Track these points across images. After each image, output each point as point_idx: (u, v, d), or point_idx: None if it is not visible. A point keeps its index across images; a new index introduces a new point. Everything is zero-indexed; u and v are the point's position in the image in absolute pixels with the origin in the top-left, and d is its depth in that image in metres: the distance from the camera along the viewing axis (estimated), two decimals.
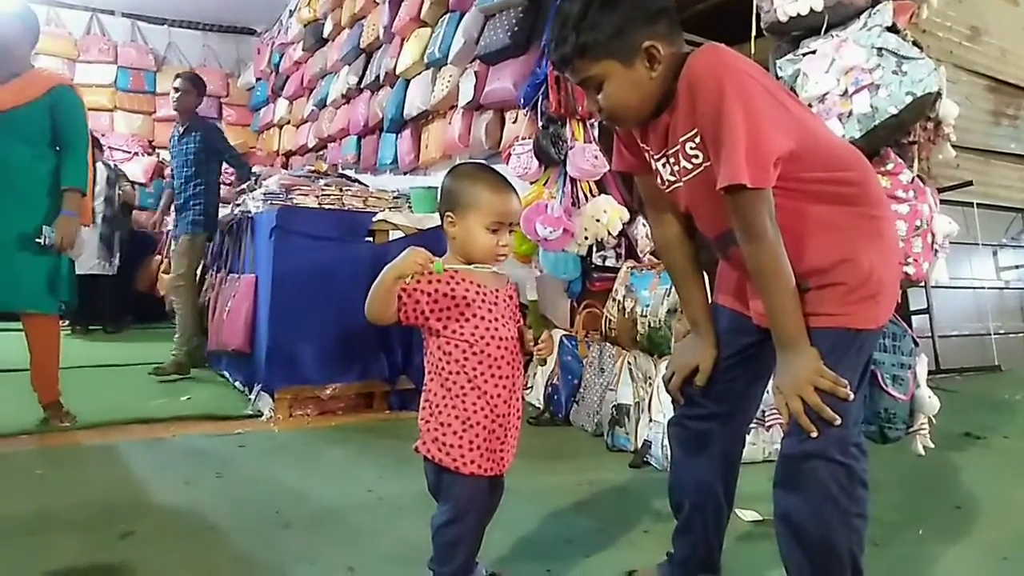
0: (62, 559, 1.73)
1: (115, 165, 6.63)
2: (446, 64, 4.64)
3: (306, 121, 7.18)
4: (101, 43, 8.08)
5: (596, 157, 3.31)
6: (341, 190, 3.57)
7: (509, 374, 1.42)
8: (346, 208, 3.53)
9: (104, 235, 6.06)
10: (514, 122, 4.00)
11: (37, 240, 2.80)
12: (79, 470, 2.46)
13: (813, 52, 2.37)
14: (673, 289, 2.80)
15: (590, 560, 1.78)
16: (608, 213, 3.22)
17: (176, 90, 4.30)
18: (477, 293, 1.40)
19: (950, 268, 2.36)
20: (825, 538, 1.22)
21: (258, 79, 8.47)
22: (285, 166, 7.48)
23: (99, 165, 6.14)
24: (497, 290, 1.44)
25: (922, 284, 3.44)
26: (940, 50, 4.44)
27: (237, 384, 3.79)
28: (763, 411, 2.58)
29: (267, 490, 2.30)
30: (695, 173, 1.32)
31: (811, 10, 2.36)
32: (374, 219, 3.54)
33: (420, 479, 1.46)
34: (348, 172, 4.74)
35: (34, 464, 2.49)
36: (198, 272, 4.39)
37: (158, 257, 6.51)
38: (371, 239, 3.54)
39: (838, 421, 1.20)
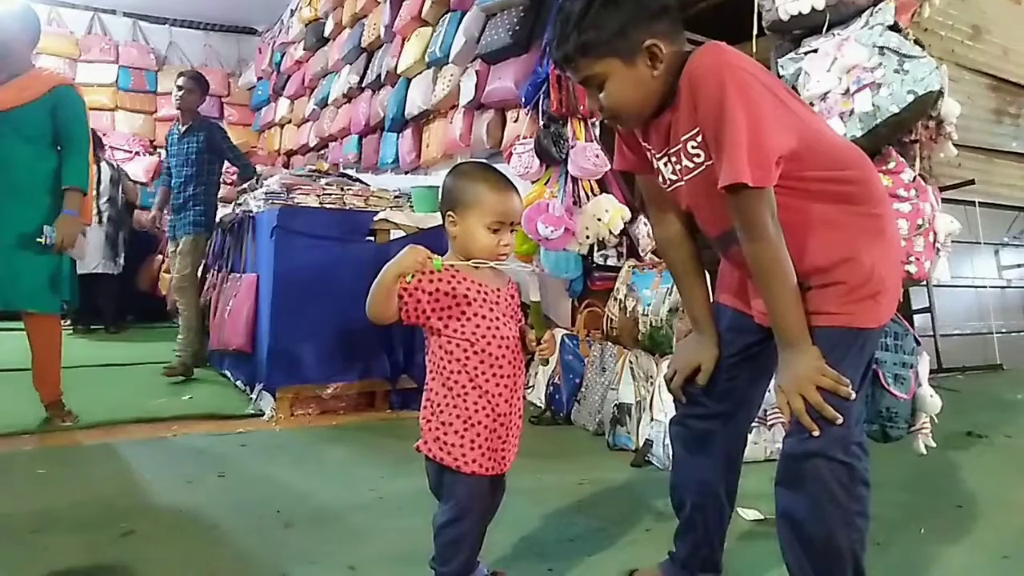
0: (63, 558, 1.73)
1: (117, 165, 6.64)
2: (447, 63, 4.64)
3: (307, 120, 7.19)
4: (102, 43, 8.09)
5: (597, 156, 3.31)
6: (342, 189, 3.57)
7: (510, 373, 1.42)
8: (347, 207, 3.53)
9: (109, 234, 6.08)
10: (515, 121, 4.00)
11: (38, 240, 2.80)
12: (80, 469, 2.47)
13: (815, 51, 2.37)
14: (675, 288, 2.80)
15: (592, 559, 1.78)
16: (609, 212, 3.22)
17: (179, 88, 4.26)
18: (478, 292, 1.40)
19: (952, 267, 2.36)
20: (827, 537, 1.22)
21: (259, 78, 8.47)
22: (286, 165, 7.50)
23: (103, 165, 6.16)
24: (498, 289, 1.44)
25: (924, 283, 3.45)
26: (942, 49, 4.44)
27: (238, 383, 3.80)
28: (765, 410, 2.58)
29: (268, 489, 2.30)
30: (697, 172, 1.32)
31: (812, 9, 2.35)
32: (375, 218, 3.54)
33: (422, 478, 1.46)
34: (349, 171, 4.74)
35: (36, 463, 2.49)
36: (199, 272, 4.39)
37: (159, 256, 6.52)
38: (372, 238, 3.54)
39: (840, 420, 1.20)
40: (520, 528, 1.93)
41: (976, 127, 4.80)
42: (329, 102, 6.51)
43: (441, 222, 1.47)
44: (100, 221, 6.04)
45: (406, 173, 5.38)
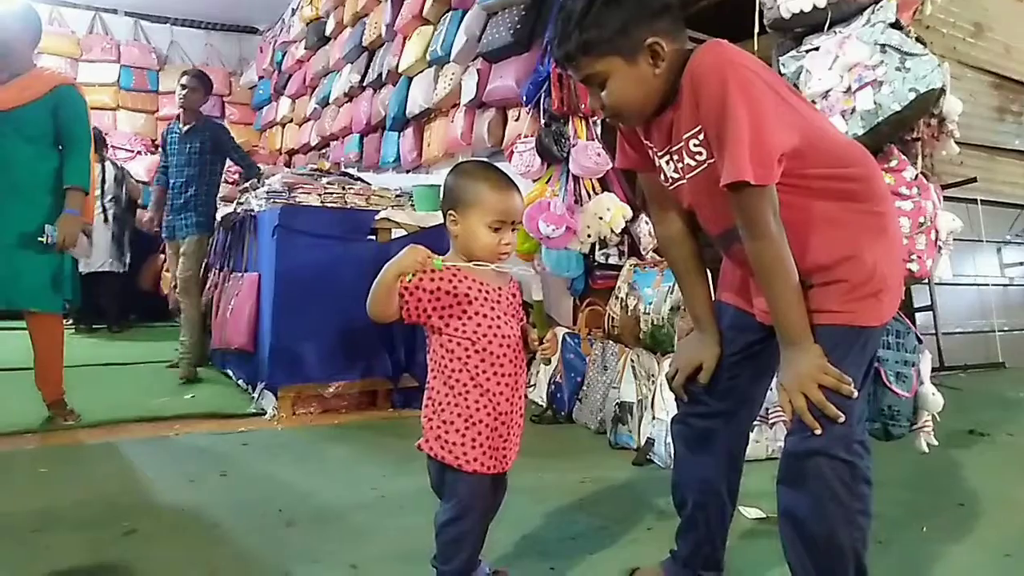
0: (66, 557, 1.73)
1: (120, 164, 6.66)
2: (448, 62, 4.64)
3: (308, 119, 7.19)
4: (104, 42, 8.10)
5: (599, 155, 3.31)
6: (344, 188, 3.57)
7: (511, 372, 1.42)
8: (349, 206, 3.53)
9: (115, 233, 6.10)
10: (516, 120, 4.00)
11: (40, 239, 2.80)
12: (83, 468, 2.47)
13: (816, 49, 2.37)
14: (676, 287, 2.80)
15: (593, 558, 1.78)
16: (611, 211, 3.22)
17: (183, 87, 4.21)
18: (479, 290, 1.40)
19: (954, 265, 2.35)
20: (829, 535, 1.22)
21: (260, 78, 8.48)
22: (288, 165, 7.50)
23: (107, 164, 6.19)
24: (499, 287, 1.44)
25: (926, 281, 3.44)
26: (944, 46, 4.43)
27: (240, 382, 3.80)
28: (766, 408, 2.58)
29: (270, 488, 2.30)
30: (699, 170, 1.32)
31: (814, 7, 2.35)
32: (377, 217, 3.54)
33: (423, 477, 1.46)
34: (351, 170, 4.74)
35: (38, 462, 2.50)
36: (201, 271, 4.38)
37: (161, 256, 6.52)
38: (374, 237, 3.54)
39: (842, 418, 1.20)
40: (522, 526, 1.93)
41: (978, 125, 4.79)
42: (330, 101, 6.52)
43: (442, 221, 1.46)
44: (105, 220, 6.07)
45: (407, 172, 5.38)
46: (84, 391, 3.30)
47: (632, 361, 2.90)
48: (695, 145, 1.29)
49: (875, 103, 2.14)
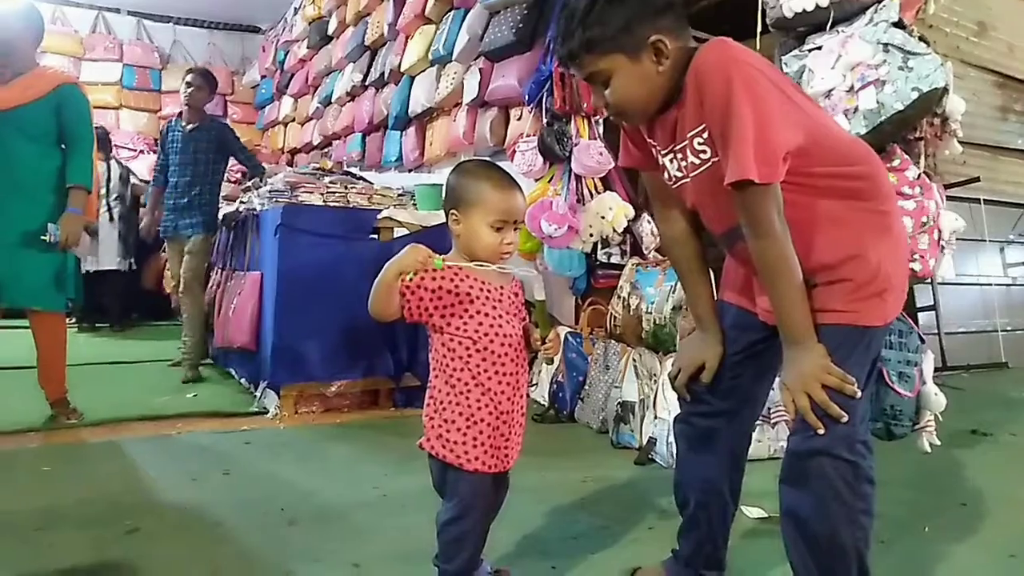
0: (68, 555, 1.73)
1: (124, 163, 6.68)
2: (451, 61, 4.65)
3: (311, 119, 7.20)
4: (107, 41, 8.11)
5: (601, 154, 3.30)
6: (346, 188, 3.58)
7: (513, 371, 1.42)
8: (351, 206, 3.53)
9: (121, 232, 6.12)
10: (519, 119, 4.00)
11: (43, 238, 2.81)
12: (85, 467, 2.48)
13: (819, 48, 2.36)
14: (678, 286, 2.80)
15: (595, 557, 1.78)
16: (613, 210, 3.22)
17: (188, 85, 4.14)
18: (481, 290, 1.40)
19: (957, 265, 2.35)
20: (831, 535, 1.22)
21: (263, 77, 8.49)
22: (290, 164, 7.51)
23: (112, 163, 6.21)
24: (501, 287, 1.44)
25: (928, 281, 3.43)
26: (947, 45, 4.42)
27: (242, 381, 3.81)
28: (768, 408, 2.58)
29: (272, 487, 2.30)
30: (702, 169, 1.31)
31: (817, 6, 2.35)
32: (379, 216, 3.54)
33: (425, 476, 1.46)
34: (353, 169, 4.75)
35: (41, 461, 2.50)
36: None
37: (163, 255, 6.54)
38: (376, 236, 3.54)
39: (845, 418, 1.20)
40: (523, 526, 1.93)
41: (981, 124, 4.79)
42: (333, 100, 6.52)
43: (444, 220, 1.46)
44: (111, 219, 6.10)
45: (409, 171, 5.38)
46: (87, 390, 3.31)
47: (634, 360, 2.90)
48: (699, 143, 1.29)
49: (878, 102, 2.14)
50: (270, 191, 3.57)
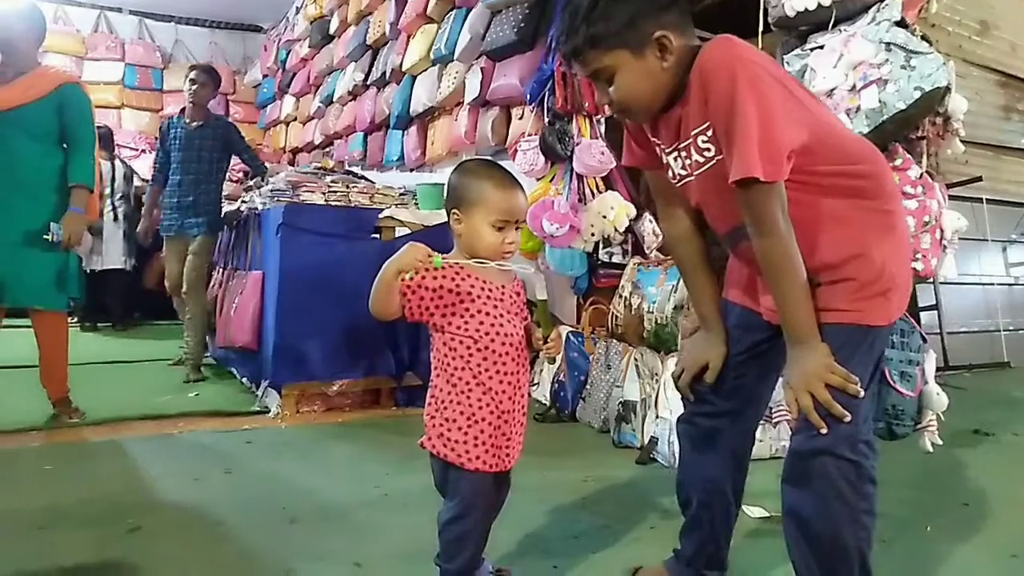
0: (71, 554, 1.74)
1: (127, 162, 6.69)
2: (452, 60, 4.65)
3: (312, 118, 7.20)
4: (108, 40, 8.13)
5: (603, 153, 3.30)
6: (347, 187, 3.58)
7: (514, 370, 1.42)
8: (352, 205, 3.53)
9: (126, 231, 6.13)
10: (520, 118, 4.00)
11: (45, 237, 2.81)
12: (87, 466, 2.48)
13: (821, 47, 2.36)
14: (680, 285, 2.80)
15: (596, 557, 1.78)
16: (615, 209, 3.22)
17: (192, 83, 4.06)
18: (482, 289, 1.40)
19: (959, 264, 2.35)
20: (833, 535, 1.21)
21: (265, 76, 8.50)
22: (292, 163, 7.51)
23: (116, 163, 6.22)
24: (503, 286, 1.44)
25: (931, 280, 3.43)
26: (949, 44, 4.42)
27: (244, 380, 3.81)
28: (770, 407, 2.57)
29: (274, 486, 2.30)
30: (707, 167, 1.31)
31: (819, 5, 2.35)
32: (380, 216, 3.54)
33: (427, 475, 1.46)
34: (354, 169, 4.73)
35: (43, 459, 2.51)
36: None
37: (163, 255, 6.55)
38: (377, 236, 3.55)
39: (848, 418, 1.19)
40: (525, 525, 1.93)
41: (984, 123, 4.78)
42: (334, 99, 6.53)
43: (446, 220, 1.46)
44: (115, 219, 6.12)
45: (411, 170, 5.38)
46: (89, 389, 3.31)
47: (636, 360, 2.90)
48: (703, 141, 1.29)
49: (880, 101, 2.14)
50: (272, 190, 3.57)
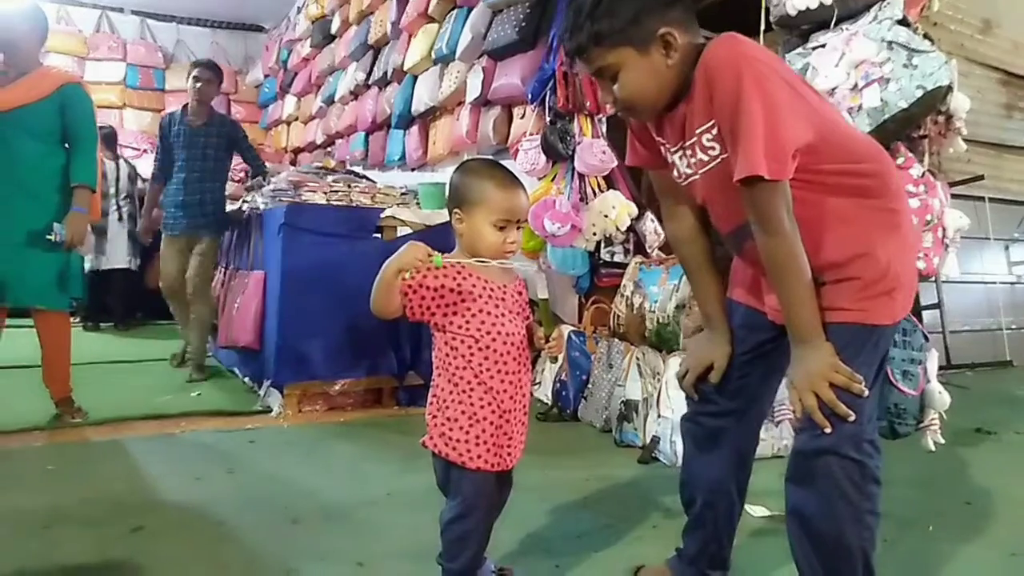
0: (74, 554, 1.74)
1: (131, 162, 6.71)
2: (454, 60, 4.64)
3: (314, 118, 7.21)
4: (110, 41, 8.13)
5: (604, 152, 3.30)
6: (349, 186, 3.58)
7: (515, 370, 1.42)
8: (354, 205, 3.53)
9: (131, 231, 6.14)
10: (522, 118, 4.00)
11: (48, 237, 2.81)
12: (90, 466, 2.48)
13: (823, 46, 2.36)
14: (682, 285, 2.80)
15: (598, 556, 1.78)
16: (616, 208, 3.22)
17: (197, 80, 3.97)
18: (484, 288, 1.40)
19: (961, 263, 2.35)
20: (837, 535, 1.21)
21: (266, 76, 8.50)
22: (293, 163, 7.52)
23: (120, 162, 6.23)
24: (504, 285, 1.44)
25: (933, 279, 3.42)
26: (951, 43, 4.41)
27: (246, 380, 3.81)
28: (772, 406, 2.57)
29: (276, 486, 2.30)
30: (712, 165, 1.30)
31: (820, 3, 2.35)
32: (382, 215, 3.54)
33: (429, 474, 1.46)
34: (356, 168, 4.74)
35: (45, 459, 2.51)
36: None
37: None
38: (379, 235, 3.55)
39: (852, 417, 1.19)
40: (527, 524, 1.93)
41: (986, 122, 4.77)
42: (336, 99, 6.53)
43: (448, 219, 1.46)
44: (120, 218, 6.12)
45: (412, 170, 5.38)
46: (91, 389, 3.31)
47: (637, 359, 2.90)
48: (708, 140, 1.28)
49: (882, 100, 2.14)
50: (273, 190, 3.57)
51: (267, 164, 4.55)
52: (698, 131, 1.29)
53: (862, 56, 2.20)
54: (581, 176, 3.37)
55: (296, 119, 7.72)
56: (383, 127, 5.79)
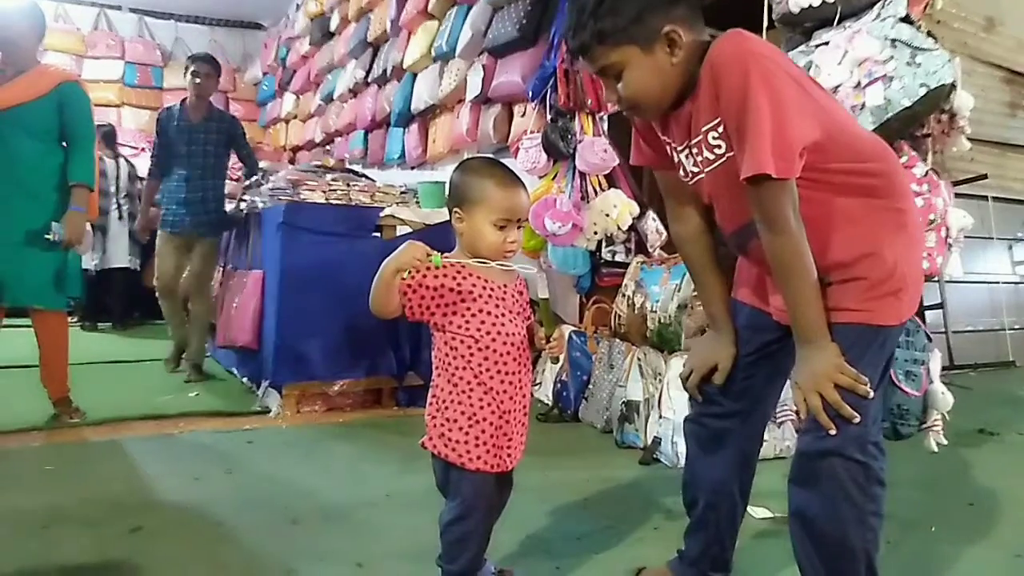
0: (72, 554, 1.73)
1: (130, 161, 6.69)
2: (454, 57, 4.63)
3: (313, 116, 7.19)
4: (108, 39, 8.12)
5: (605, 151, 3.29)
6: (348, 185, 3.56)
7: (516, 370, 1.41)
8: (353, 203, 3.51)
9: (131, 230, 6.11)
10: (522, 116, 3.98)
11: (46, 236, 2.80)
12: (88, 466, 2.47)
13: (826, 44, 2.35)
14: (684, 284, 2.79)
15: (599, 557, 1.76)
16: (618, 207, 3.20)
17: (196, 75, 3.88)
18: (484, 288, 1.39)
19: (964, 262, 2.33)
20: (840, 536, 1.20)
21: (265, 74, 8.49)
22: (292, 161, 7.50)
23: (120, 161, 6.22)
24: (505, 285, 1.43)
25: (936, 279, 3.41)
26: (955, 41, 4.39)
27: (245, 380, 3.80)
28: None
29: (275, 486, 2.29)
30: (717, 164, 1.29)
31: (823, 1, 2.33)
32: (381, 214, 3.52)
33: (429, 475, 1.45)
34: (355, 167, 4.73)
35: (43, 459, 2.49)
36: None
37: None
38: (378, 234, 3.53)
39: (857, 419, 1.18)
40: (527, 526, 1.92)
41: (989, 121, 4.75)
42: (335, 97, 6.51)
43: (448, 218, 1.45)
44: (120, 217, 6.11)
45: (412, 168, 5.37)
46: (89, 389, 3.30)
47: (639, 359, 2.88)
48: (714, 138, 1.26)
49: (885, 98, 2.12)
50: (272, 189, 3.56)
51: (264, 162, 4.52)
52: (704, 129, 1.27)
53: (865, 54, 2.19)
54: (582, 175, 3.36)
55: (295, 117, 7.70)
56: (382, 125, 5.78)
